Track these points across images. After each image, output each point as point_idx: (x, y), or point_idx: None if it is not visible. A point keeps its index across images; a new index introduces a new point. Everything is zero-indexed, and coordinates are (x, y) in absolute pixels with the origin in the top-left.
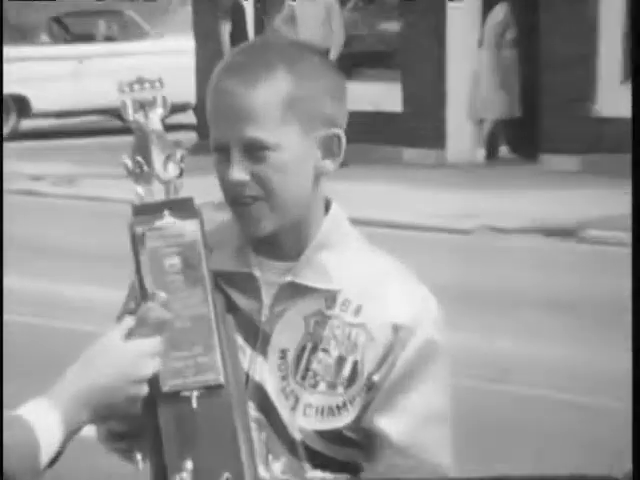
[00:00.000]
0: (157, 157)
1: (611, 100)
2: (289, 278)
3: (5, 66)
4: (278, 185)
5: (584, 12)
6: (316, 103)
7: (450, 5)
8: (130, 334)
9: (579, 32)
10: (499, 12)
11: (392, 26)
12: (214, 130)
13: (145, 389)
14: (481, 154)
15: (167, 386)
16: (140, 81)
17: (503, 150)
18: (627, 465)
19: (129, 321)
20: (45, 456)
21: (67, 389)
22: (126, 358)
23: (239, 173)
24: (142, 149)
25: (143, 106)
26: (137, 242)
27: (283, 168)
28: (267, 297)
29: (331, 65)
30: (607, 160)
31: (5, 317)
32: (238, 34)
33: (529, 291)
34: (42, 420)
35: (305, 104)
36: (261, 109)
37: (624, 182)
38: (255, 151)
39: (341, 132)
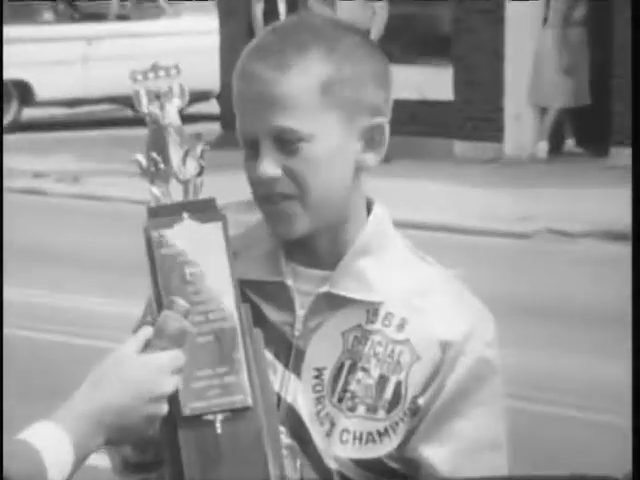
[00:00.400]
0: (174, 153)
1: None
2: (326, 288)
3: (5, 48)
4: (313, 181)
5: None
6: (357, 89)
7: None
8: (147, 347)
9: None
10: None
11: (442, 4)
12: (241, 120)
13: (164, 408)
14: (544, 148)
15: (188, 409)
16: (155, 69)
17: (569, 143)
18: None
19: (146, 332)
20: None
21: (77, 409)
22: (143, 374)
23: (269, 167)
24: (158, 144)
25: (158, 96)
26: (153, 248)
27: (319, 162)
28: (301, 309)
29: (374, 47)
30: None
31: (5, 331)
32: (270, 12)
33: (595, 304)
34: (50, 445)
35: (344, 89)
36: (294, 95)
37: None
38: (287, 143)
39: (385, 122)
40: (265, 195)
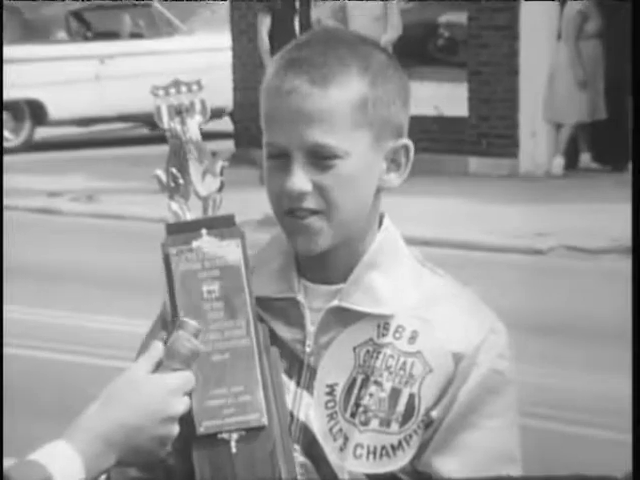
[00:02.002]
0: (194, 169)
1: None
2: (336, 302)
3: (18, 67)
4: (342, 198)
5: None
6: (387, 107)
7: None
8: (158, 367)
9: None
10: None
11: (457, 17)
12: (272, 134)
13: (176, 429)
14: (559, 163)
15: (203, 427)
16: (176, 84)
17: (585, 159)
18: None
19: (157, 352)
20: None
21: (88, 429)
22: (154, 394)
23: (301, 182)
24: (178, 160)
25: (180, 112)
26: (171, 265)
27: (349, 179)
28: (312, 325)
29: (398, 65)
30: None
31: (16, 351)
32: (281, 29)
33: (612, 321)
34: (61, 466)
35: (377, 107)
36: (331, 111)
37: None
38: (321, 159)
39: (410, 143)
40: (291, 209)
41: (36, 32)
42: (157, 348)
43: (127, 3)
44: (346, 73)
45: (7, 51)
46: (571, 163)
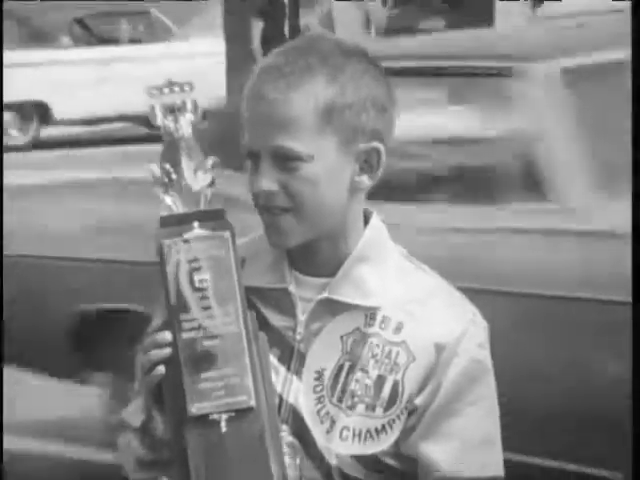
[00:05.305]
0: (186, 165)
1: None
2: (325, 294)
3: (25, 71)
4: (308, 198)
5: None
6: (357, 114)
7: (499, 4)
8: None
9: None
10: None
11: (435, 24)
12: (246, 136)
13: None
14: None
15: (195, 409)
16: (169, 84)
17: None
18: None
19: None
20: None
21: None
22: None
23: (267, 183)
24: (171, 156)
25: (172, 110)
26: (164, 255)
27: (315, 181)
28: (302, 314)
29: (379, 72)
30: None
31: None
32: (272, 34)
33: None
34: None
35: (345, 115)
36: (296, 117)
37: None
38: (286, 161)
39: (381, 146)
40: (263, 207)
41: (42, 38)
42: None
43: (127, 10)
44: (312, 82)
45: (15, 55)
46: None
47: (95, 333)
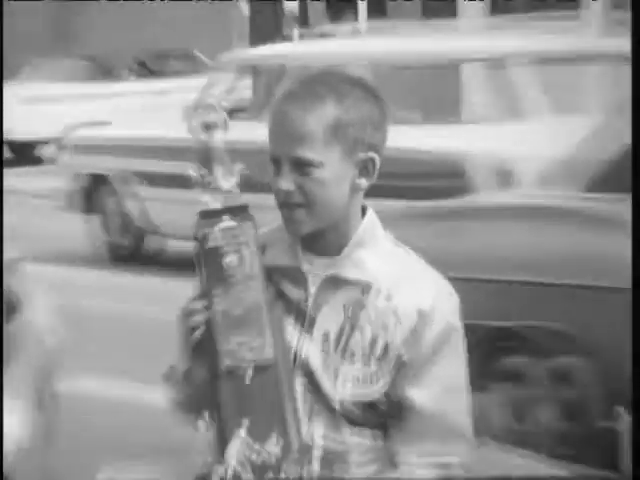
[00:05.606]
0: (218, 170)
1: None
2: (331, 272)
3: (97, 101)
4: (319, 196)
5: None
6: (358, 130)
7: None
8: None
9: None
10: None
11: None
12: (270, 145)
13: None
14: None
15: (226, 365)
16: (206, 106)
17: None
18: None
19: None
20: None
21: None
22: None
23: (286, 183)
24: (206, 163)
25: (208, 127)
26: (200, 243)
27: (324, 183)
28: (313, 287)
29: (377, 98)
30: None
31: None
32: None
33: None
34: None
35: (348, 131)
36: (309, 132)
37: None
38: (301, 166)
39: (376, 156)
40: (282, 202)
41: (106, 72)
42: None
43: (175, 51)
44: (322, 106)
45: (81, 88)
46: None
47: None
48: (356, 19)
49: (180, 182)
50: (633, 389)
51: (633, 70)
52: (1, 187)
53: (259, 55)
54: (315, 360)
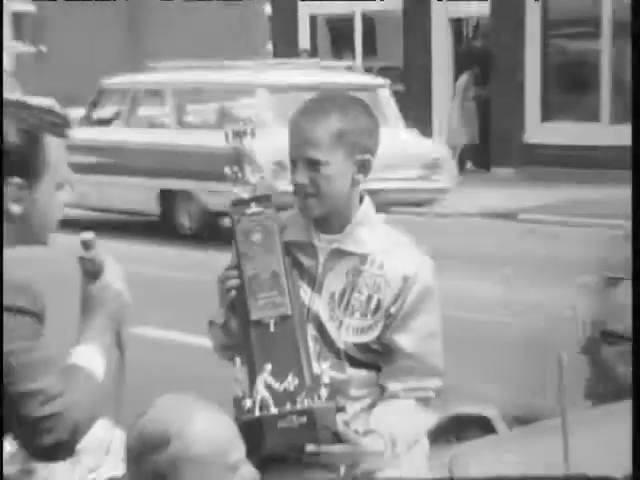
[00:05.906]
0: (247, 168)
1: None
2: (336, 245)
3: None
4: (326, 188)
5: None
6: (357, 137)
7: (434, 65)
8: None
9: (509, 92)
10: (464, 78)
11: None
12: (289, 148)
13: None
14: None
15: (254, 316)
16: (237, 119)
17: (469, 164)
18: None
19: None
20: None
21: (96, 326)
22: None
23: (301, 178)
24: (237, 163)
25: (239, 134)
26: (234, 225)
27: (330, 177)
28: (322, 258)
29: (371, 113)
30: (536, 171)
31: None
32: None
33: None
34: (95, 362)
35: (350, 137)
36: (319, 138)
37: (542, 183)
38: (312, 165)
39: (371, 157)
40: (298, 192)
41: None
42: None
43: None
44: (328, 119)
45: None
46: (461, 167)
47: None
48: (353, 57)
49: None
50: (633, 388)
51: (633, 70)
52: (1, 187)
53: (132, 81)
54: (323, 314)
